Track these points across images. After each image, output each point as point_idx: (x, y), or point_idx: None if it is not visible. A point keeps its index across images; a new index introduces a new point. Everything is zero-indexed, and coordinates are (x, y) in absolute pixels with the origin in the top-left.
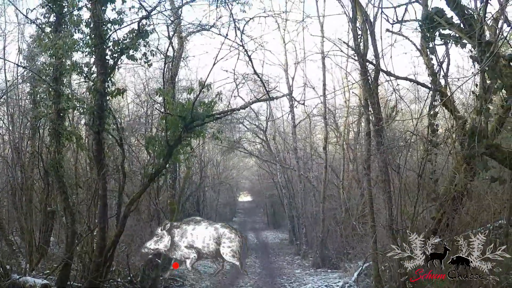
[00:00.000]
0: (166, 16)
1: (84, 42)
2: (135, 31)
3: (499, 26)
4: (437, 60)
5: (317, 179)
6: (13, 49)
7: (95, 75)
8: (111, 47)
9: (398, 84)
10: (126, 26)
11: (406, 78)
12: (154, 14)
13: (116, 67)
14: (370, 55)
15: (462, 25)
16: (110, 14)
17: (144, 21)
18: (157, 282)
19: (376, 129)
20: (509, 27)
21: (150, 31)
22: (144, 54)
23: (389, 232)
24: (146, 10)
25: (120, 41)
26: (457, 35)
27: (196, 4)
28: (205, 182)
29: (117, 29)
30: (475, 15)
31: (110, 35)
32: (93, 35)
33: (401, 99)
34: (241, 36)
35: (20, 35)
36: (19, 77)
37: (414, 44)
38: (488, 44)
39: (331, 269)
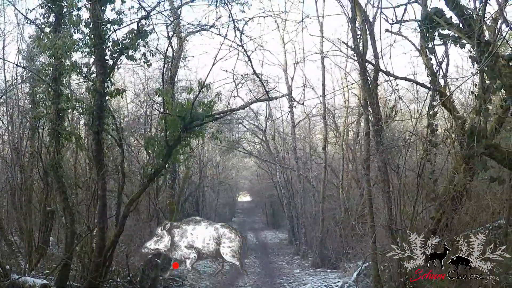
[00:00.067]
0: (166, 16)
1: (84, 42)
2: (135, 31)
3: (498, 26)
4: (436, 60)
5: (316, 179)
6: (13, 49)
7: (94, 75)
8: (110, 47)
9: (397, 84)
10: (125, 26)
11: (405, 78)
12: (154, 14)
13: (116, 67)
14: (369, 55)
15: (461, 25)
16: (109, 14)
17: (143, 21)
18: (157, 282)
19: (376, 129)
20: (508, 27)
21: (150, 31)
22: (144, 54)
23: (388, 232)
24: (145, 10)
25: (119, 41)
26: (456, 35)
27: (195, 4)
28: (205, 182)
29: (116, 29)
30: (474, 15)
31: (110, 35)
32: (92, 35)
33: (401, 99)
34: (241, 36)
35: (20, 35)
36: (18, 77)
37: (414, 44)
38: (487, 44)
39: (331, 269)
